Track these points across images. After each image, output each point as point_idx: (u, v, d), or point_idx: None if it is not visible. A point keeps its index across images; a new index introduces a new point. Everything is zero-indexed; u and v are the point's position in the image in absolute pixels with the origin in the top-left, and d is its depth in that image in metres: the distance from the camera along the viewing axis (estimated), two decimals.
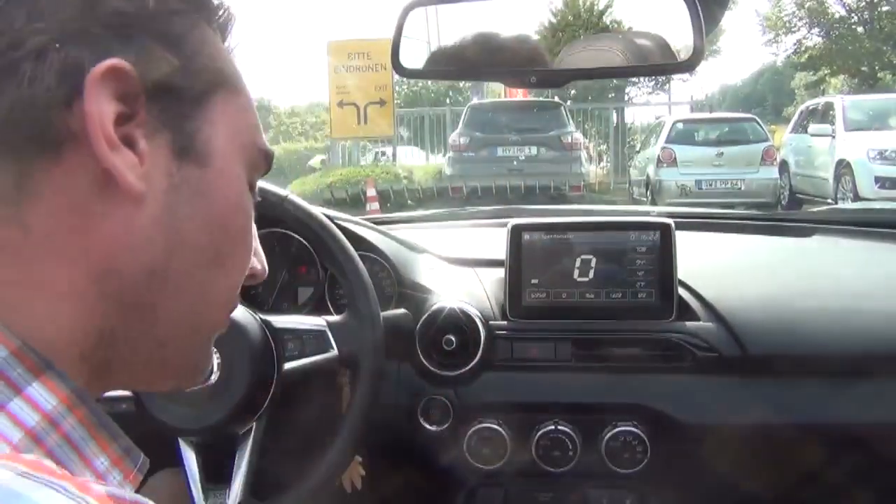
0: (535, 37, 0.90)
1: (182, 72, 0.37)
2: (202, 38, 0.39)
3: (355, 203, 8.01)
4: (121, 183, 0.34)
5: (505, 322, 1.05)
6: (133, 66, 0.34)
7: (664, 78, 15.11)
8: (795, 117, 9.74)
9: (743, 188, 8.38)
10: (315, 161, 14.41)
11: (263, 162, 0.44)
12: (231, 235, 0.41)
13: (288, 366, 0.86)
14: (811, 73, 20.80)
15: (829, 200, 7.78)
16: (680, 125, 9.29)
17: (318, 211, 0.94)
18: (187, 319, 0.40)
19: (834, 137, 8.01)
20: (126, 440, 0.37)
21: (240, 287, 0.45)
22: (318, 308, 1.10)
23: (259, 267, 0.47)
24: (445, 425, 1.02)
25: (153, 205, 0.36)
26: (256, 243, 0.46)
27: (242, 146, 0.42)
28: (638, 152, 10.82)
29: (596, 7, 0.94)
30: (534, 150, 9.28)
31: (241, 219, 0.42)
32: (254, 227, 0.45)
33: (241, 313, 0.86)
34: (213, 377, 0.81)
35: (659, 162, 8.74)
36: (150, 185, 0.36)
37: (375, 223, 1.19)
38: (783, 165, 9.11)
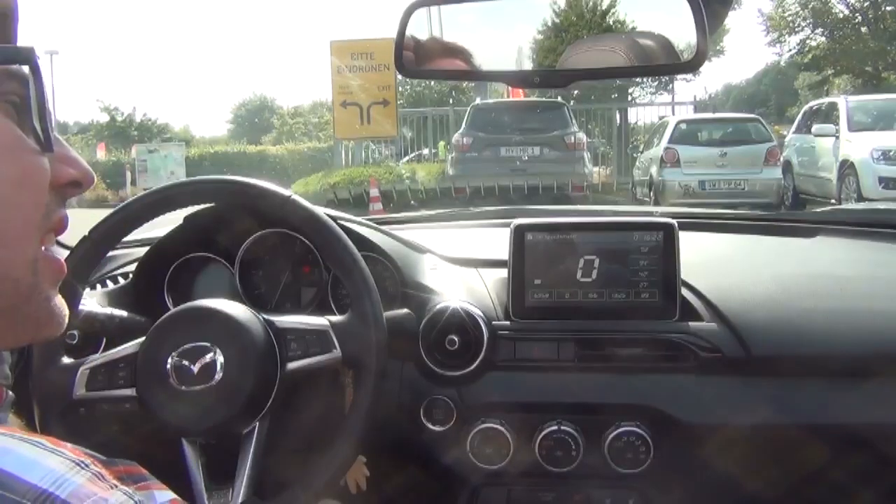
0: (539, 36, 0.90)
1: None
2: None
3: (358, 203, 8.02)
4: None
5: (508, 322, 1.05)
6: None
7: (668, 78, 15.09)
8: (799, 118, 9.72)
9: (746, 188, 8.37)
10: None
11: None
12: None
13: (291, 366, 0.86)
14: (815, 73, 20.76)
15: (833, 201, 7.76)
16: (683, 125, 9.28)
17: (322, 211, 0.94)
18: None
19: (837, 138, 8.00)
20: None
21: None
22: (321, 308, 1.10)
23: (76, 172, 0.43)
24: (448, 425, 1.02)
25: None
26: (68, 149, 0.42)
27: None
28: (641, 152, 10.80)
29: (599, 7, 0.94)
30: (537, 150, 9.28)
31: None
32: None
33: (245, 313, 0.86)
34: (217, 377, 0.81)
35: (662, 162, 8.73)
36: None
37: (378, 223, 1.19)
38: (787, 166, 9.09)
